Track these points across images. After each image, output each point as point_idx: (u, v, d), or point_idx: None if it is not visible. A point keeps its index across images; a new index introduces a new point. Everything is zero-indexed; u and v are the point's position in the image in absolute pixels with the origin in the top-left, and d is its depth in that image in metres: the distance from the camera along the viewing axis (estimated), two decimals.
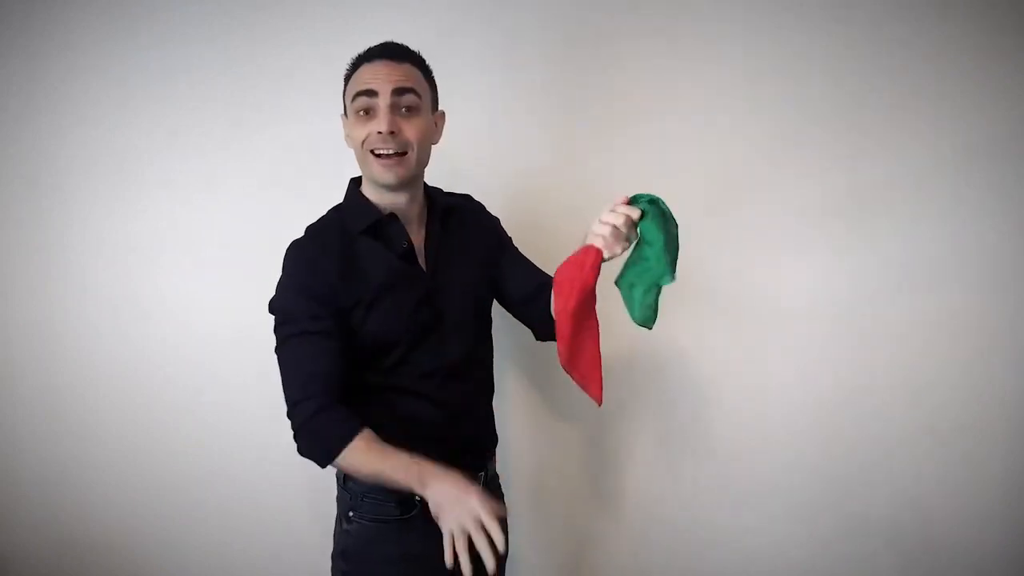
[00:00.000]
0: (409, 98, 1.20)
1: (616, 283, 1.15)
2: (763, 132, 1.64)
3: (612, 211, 1.09)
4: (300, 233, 1.28)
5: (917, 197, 1.63)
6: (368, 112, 1.20)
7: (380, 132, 1.18)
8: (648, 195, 1.11)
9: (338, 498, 1.34)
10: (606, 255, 1.10)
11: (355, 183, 1.33)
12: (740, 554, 1.74)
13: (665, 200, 1.11)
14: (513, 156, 1.66)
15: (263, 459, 1.71)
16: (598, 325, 1.16)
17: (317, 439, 1.16)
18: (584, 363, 1.17)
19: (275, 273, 1.26)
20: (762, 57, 1.62)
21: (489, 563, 1.01)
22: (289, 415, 1.19)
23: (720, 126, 1.64)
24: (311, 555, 1.52)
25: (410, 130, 1.21)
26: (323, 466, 1.18)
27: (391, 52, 1.21)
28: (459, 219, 1.36)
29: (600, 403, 1.18)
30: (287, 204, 1.63)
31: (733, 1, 1.61)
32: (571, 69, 1.64)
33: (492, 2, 1.62)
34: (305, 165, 1.64)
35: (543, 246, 1.49)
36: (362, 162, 1.24)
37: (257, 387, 1.68)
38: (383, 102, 1.18)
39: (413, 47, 1.25)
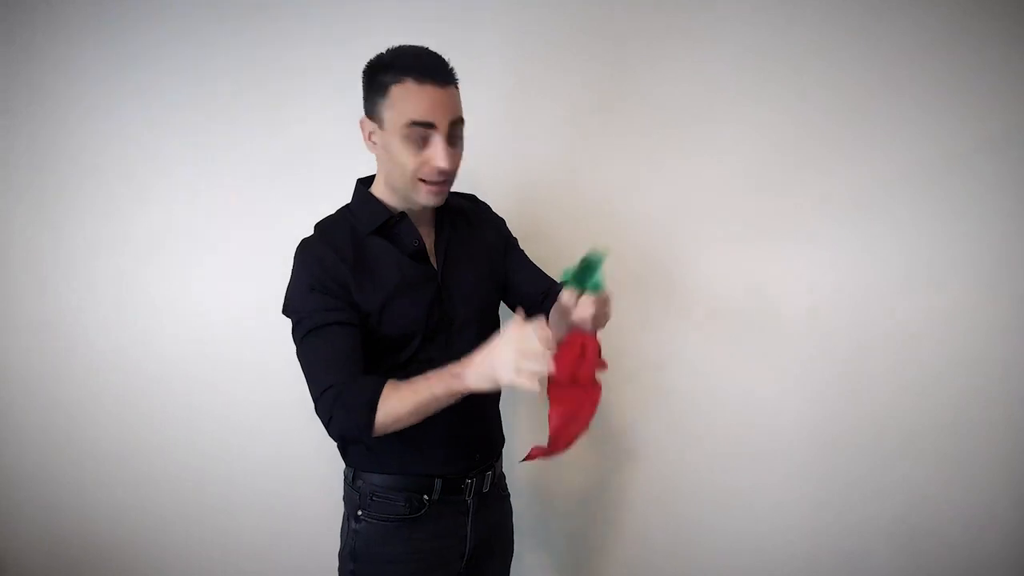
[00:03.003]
0: (459, 127, 1.21)
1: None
2: (764, 133, 1.64)
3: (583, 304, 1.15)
4: (303, 232, 1.27)
5: (917, 197, 1.64)
6: (422, 140, 1.18)
7: (439, 167, 1.17)
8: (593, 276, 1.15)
9: (346, 497, 1.34)
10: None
11: (363, 183, 1.32)
12: (741, 555, 1.75)
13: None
14: (522, 159, 1.66)
15: (264, 459, 1.71)
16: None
17: (350, 409, 1.13)
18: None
19: (275, 273, 1.25)
20: (763, 57, 1.62)
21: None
22: (317, 407, 1.16)
23: (724, 128, 1.64)
24: (318, 555, 1.51)
25: (458, 156, 1.22)
26: (367, 434, 1.13)
27: (444, 76, 1.18)
28: (467, 221, 1.37)
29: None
30: (287, 204, 1.63)
31: (741, 3, 1.60)
32: (581, 72, 1.63)
33: (500, 4, 1.62)
34: (305, 165, 1.64)
35: (550, 250, 1.49)
36: (408, 186, 1.21)
37: (257, 387, 1.69)
38: (440, 135, 1.17)
39: None
